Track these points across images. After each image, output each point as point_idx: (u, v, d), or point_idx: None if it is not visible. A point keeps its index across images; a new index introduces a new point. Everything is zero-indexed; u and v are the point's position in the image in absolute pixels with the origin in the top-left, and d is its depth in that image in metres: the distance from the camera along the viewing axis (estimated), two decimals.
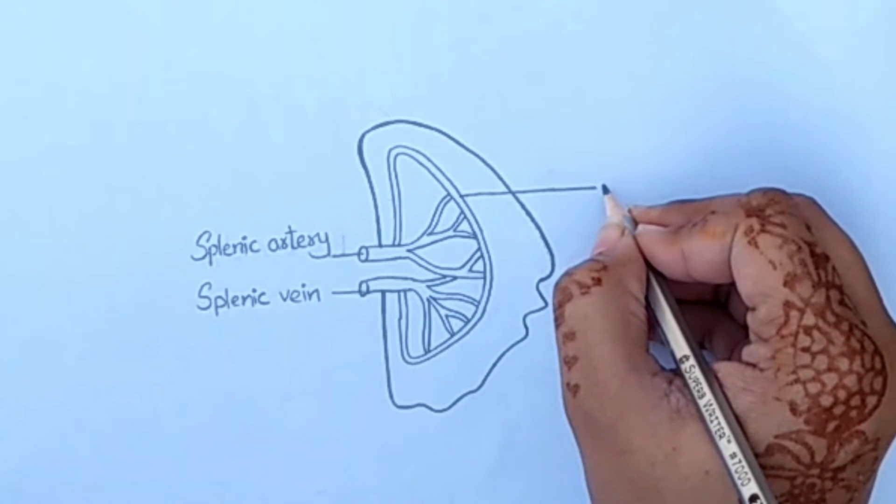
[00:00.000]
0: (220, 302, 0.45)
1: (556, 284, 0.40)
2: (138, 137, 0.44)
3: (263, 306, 0.45)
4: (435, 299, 0.45)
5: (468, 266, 0.45)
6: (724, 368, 0.38)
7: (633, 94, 0.45)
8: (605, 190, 0.44)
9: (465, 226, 0.45)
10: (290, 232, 0.45)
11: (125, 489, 0.45)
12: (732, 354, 0.42)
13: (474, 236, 0.45)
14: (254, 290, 0.45)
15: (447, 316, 0.45)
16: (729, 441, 0.36)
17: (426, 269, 0.45)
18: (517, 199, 0.45)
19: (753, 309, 0.38)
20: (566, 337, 0.39)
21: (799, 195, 0.40)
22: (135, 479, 0.45)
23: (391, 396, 0.45)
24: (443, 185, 0.45)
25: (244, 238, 0.45)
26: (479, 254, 0.45)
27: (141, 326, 0.44)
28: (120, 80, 0.44)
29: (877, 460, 0.38)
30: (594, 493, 0.40)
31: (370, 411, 0.45)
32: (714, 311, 0.43)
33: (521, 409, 0.46)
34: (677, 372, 0.39)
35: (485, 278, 0.45)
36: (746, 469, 0.36)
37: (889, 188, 0.46)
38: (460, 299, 0.45)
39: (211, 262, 0.45)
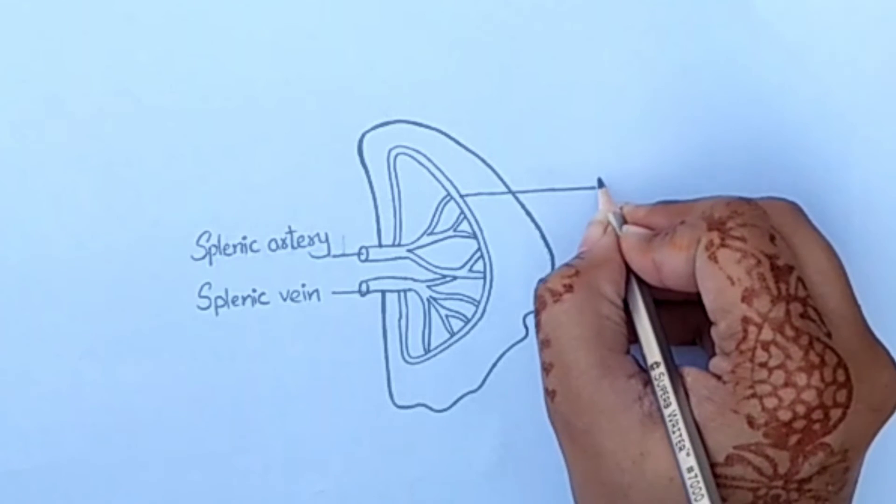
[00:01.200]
0: (220, 302, 0.45)
1: (535, 291, 0.41)
2: (138, 137, 0.44)
3: (263, 306, 0.45)
4: (435, 299, 0.45)
5: (468, 266, 0.45)
6: (692, 375, 0.38)
7: (633, 95, 0.45)
8: (601, 184, 0.44)
9: (464, 226, 0.45)
10: (290, 232, 0.45)
11: (125, 489, 0.45)
12: (709, 362, 0.42)
13: (474, 236, 0.45)
14: (254, 290, 0.45)
15: (447, 316, 0.45)
16: (688, 454, 0.37)
17: (426, 269, 0.45)
18: (517, 199, 0.45)
19: (715, 323, 0.38)
20: (543, 344, 0.40)
21: (780, 199, 0.40)
22: (134, 479, 0.45)
23: (391, 396, 0.45)
24: (443, 185, 0.45)
25: (244, 238, 0.45)
26: (478, 254, 0.45)
27: (141, 326, 0.44)
28: (120, 79, 0.44)
29: (848, 470, 0.38)
30: (575, 493, 0.40)
31: (370, 411, 0.45)
32: (704, 311, 0.43)
33: (521, 409, 0.46)
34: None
35: (485, 278, 0.45)
36: (701, 484, 0.36)
37: (882, 191, 0.46)
38: (460, 299, 0.45)
39: (211, 262, 0.45)
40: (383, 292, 0.45)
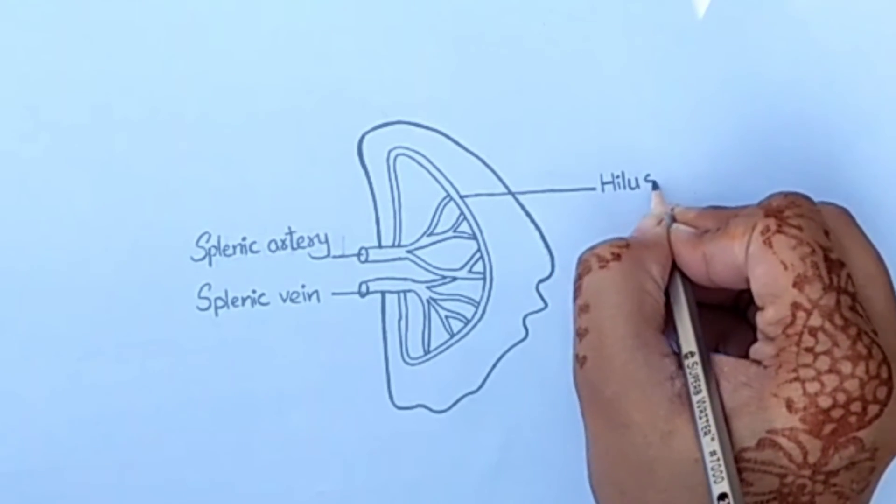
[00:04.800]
0: (219, 303, 0.45)
1: (579, 257, 0.41)
2: (138, 138, 0.44)
3: (263, 307, 0.45)
4: (435, 300, 0.45)
5: (468, 267, 0.45)
6: (729, 363, 0.38)
7: (633, 95, 0.45)
8: (655, 186, 0.45)
9: (464, 227, 0.45)
10: (290, 233, 0.45)
11: (124, 490, 0.45)
12: (748, 350, 0.42)
13: (474, 237, 0.45)
14: (253, 291, 0.45)
15: (447, 317, 0.45)
16: (712, 439, 0.37)
17: (426, 269, 0.45)
18: (517, 200, 0.45)
19: (762, 308, 0.38)
20: (581, 309, 0.40)
21: (830, 204, 0.40)
22: (134, 480, 0.45)
23: (391, 397, 0.45)
24: (442, 186, 0.45)
25: (244, 239, 0.45)
26: (478, 255, 0.45)
27: (141, 327, 0.44)
28: (120, 80, 0.44)
29: (874, 471, 0.38)
30: (592, 465, 0.40)
31: (370, 412, 0.45)
32: (733, 318, 0.44)
33: (521, 409, 0.46)
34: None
35: (485, 279, 0.45)
36: (722, 468, 0.36)
37: None
38: (460, 300, 0.45)
39: (210, 263, 0.45)
40: (383, 293, 0.45)
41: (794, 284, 0.37)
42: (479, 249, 0.45)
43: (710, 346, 0.43)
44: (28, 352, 0.44)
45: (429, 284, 0.45)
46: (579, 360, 0.40)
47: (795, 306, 0.37)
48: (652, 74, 0.45)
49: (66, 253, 0.44)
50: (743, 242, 0.39)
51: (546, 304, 0.45)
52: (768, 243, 0.38)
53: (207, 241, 0.45)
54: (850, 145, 0.46)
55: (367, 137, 0.45)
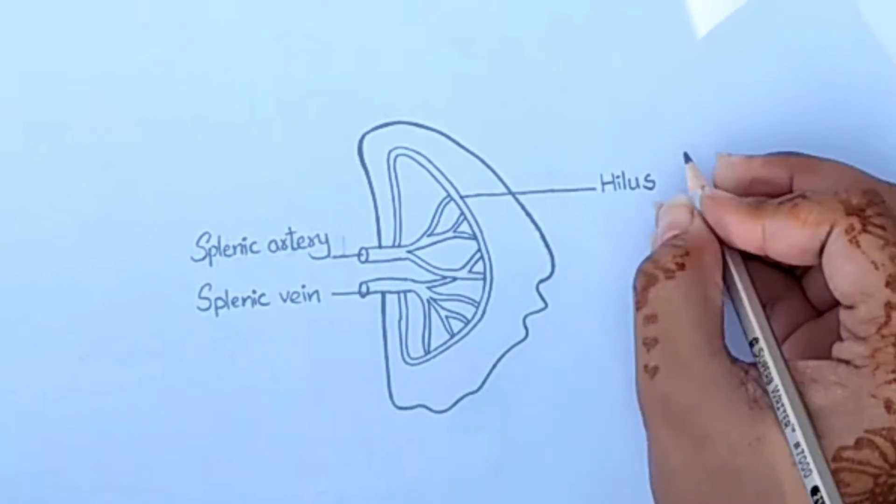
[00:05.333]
0: (220, 303, 0.45)
1: (639, 269, 0.40)
2: (138, 138, 0.44)
3: (263, 307, 0.45)
4: (435, 300, 0.45)
5: (468, 267, 0.45)
6: (810, 365, 0.38)
7: (633, 95, 0.45)
8: (687, 158, 0.44)
9: (465, 227, 0.45)
10: (290, 233, 0.45)
11: (124, 490, 0.45)
12: (793, 333, 0.42)
13: (474, 237, 0.45)
14: (254, 292, 0.45)
15: (447, 317, 0.45)
16: (793, 430, 0.36)
17: (426, 270, 0.45)
18: (517, 200, 0.45)
19: (851, 307, 0.38)
20: (648, 319, 0.39)
21: (885, 182, 0.41)
22: (134, 481, 0.45)
23: (391, 397, 0.45)
24: (443, 186, 0.45)
25: (244, 239, 0.45)
26: (479, 255, 0.45)
27: (141, 327, 0.44)
28: (120, 80, 0.44)
29: None
30: (662, 481, 0.39)
31: (370, 412, 0.45)
32: (783, 280, 0.43)
33: (521, 409, 0.46)
34: (751, 363, 0.39)
35: (485, 279, 0.45)
36: (809, 460, 0.36)
37: None
38: (460, 300, 0.45)
39: (211, 263, 0.45)
40: (383, 293, 0.45)
41: (887, 284, 0.37)
42: (479, 249, 0.45)
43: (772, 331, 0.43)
44: (28, 352, 0.44)
45: (429, 284, 0.45)
46: (649, 371, 0.39)
47: (889, 306, 0.37)
48: (652, 74, 0.45)
49: (67, 253, 0.44)
50: (817, 233, 0.38)
51: (546, 304, 0.45)
52: (855, 242, 0.38)
53: (208, 241, 0.45)
54: (850, 145, 0.46)
55: (367, 137, 0.45)
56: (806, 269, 0.43)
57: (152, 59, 0.44)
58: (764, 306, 0.42)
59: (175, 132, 0.44)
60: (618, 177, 0.45)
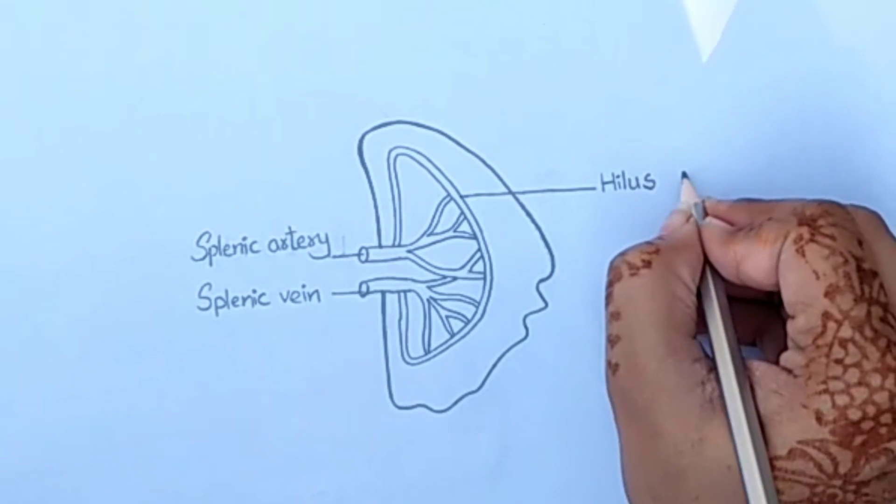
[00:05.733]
0: (220, 302, 0.45)
1: (610, 263, 0.41)
2: (138, 138, 0.44)
3: (263, 307, 0.45)
4: (435, 300, 0.45)
5: (468, 267, 0.45)
6: (760, 369, 0.38)
7: (634, 95, 0.45)
8: (684, 175, 0.45)
9: (465, 226, 0.45)
10: (290, 232, 0.45)
11: (124, 490, 0.45)
12: (780, 357, 0.42)
13: (474, 237, 0.45)
14: (254, 291, 0.45)
15: (447, 316, 0.45)
16: (747, 445, 0.37)
17: (426, 269, 0.45)
18: (517, 200, 0.45)
19: (793, 317, 0.38)
20: (612, 316, 0.40)
21: (861, 208, 0.40)
22: (134, 480, 0.45)
23: (391, 397, 0.45)
24: (443, 186, 0.45)
25: (244, 239, 0.45)
26: (479, 254, 0.45)
27: (141, 327, 0.44)
28: (120, 80, 0.44)
29: None
30: (627, 471, 0.40)
31: (370, 412, 0.45)
32: (768, 312, 0.44)
33: (521, 409, 0.46)
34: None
35: (485, 279, 0.45)
36: (757, 476, 0.36)
37: None
38: (460, 300, 0.45)
39: (211, 263, 0.45)
40: (383, 293, 0.45)
41: (826, 294, 0.37)
42: (479, 249, 0.45)
43: (747, 341, 0.43)
44: (29, 352, 0.44)
45: (429, 284, 0.45)
46: (611, 367, 0.40)
47: (826, 316, 0.37)
48: (652, 74, 0.45)
49: (67, 253, 0.44)
50: (775, 248, 0.39)
51: (546, 304, 0.45)
52: (801, 252, 0.38)
53: (208, 240, 0.45)
54: (848, 152, 0.46)
55: (367, 137, 0.45)
56: (782, 301, 0.43)
57: (152, 59, 0.44)
58: (753, 341, 0.43)
59: (175, 132, 0.44)
60: (618, 176, 0.45)
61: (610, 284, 0.40)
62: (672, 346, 0.39)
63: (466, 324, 0.46)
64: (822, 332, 0.37)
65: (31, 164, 0.44)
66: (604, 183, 0.45)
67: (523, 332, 0.46)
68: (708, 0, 0.45)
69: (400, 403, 0.45)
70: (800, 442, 0.37)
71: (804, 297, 0.37)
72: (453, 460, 0.46)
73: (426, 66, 0.45)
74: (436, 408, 0.46)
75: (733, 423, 0.37)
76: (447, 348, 0.46)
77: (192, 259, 0.45)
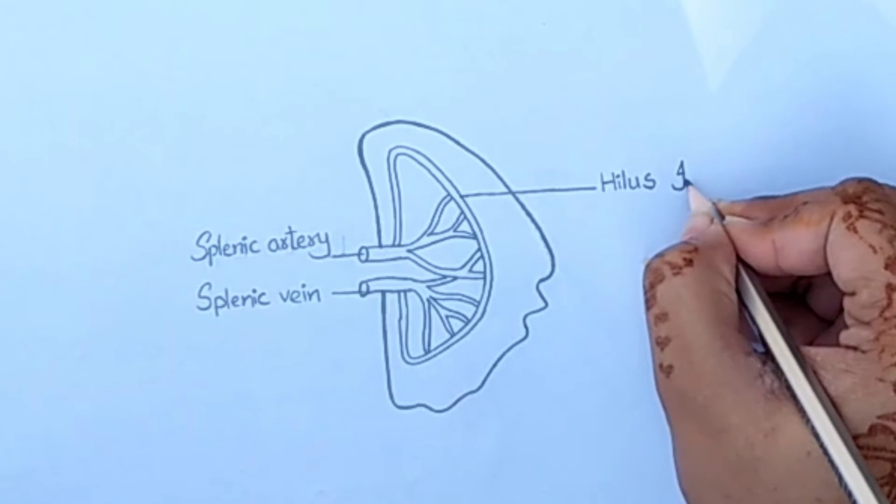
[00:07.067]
0: (220, 302, 0.45)
1: (647, 266, 0.41)
2: (138, 137, 0.44)
3: (263, 307, 0.45)
4: (435, 299, 0.45)
5: (468, 266, 0.45)
6: (822, 353, 0.38)
7: (634, 95, 0.45)
8: (688, 183, 0.45)
9: (465, 226, 0.45)
10: (290, 232, 0.45)
11: (124, 489, 0.45)
12: (838, 337, 0.42)
13: (474, 236, 0.45)
14: (254, 291, 0.45)
15: (447, 316, 0.45)
16: (823, 423, 0.36)
17: (426, 269, 0.45)
18: (517, 200, 0.45)
19: (853, 294, 0.38)
20: (658, 318, 0.40)
21: (891, 186, 0.40)
22: (134, 480, 0.45)
23: (391, 397, 0.45)
24: (443, 186, 0.45)
25: (244, 238, 0.45)
26: (479, 254, 0.45)
27: (141, 327, 0.44)
28: (120, 79, 0.44)
29: None
30: (686, 474, 0.40)
31: (370, 411, 0.45)
32: (791, 304, 0.43)
33: (521, 409, 0.46)
34: (768, 354, 0.39)
35: (485, 278, 0.45)
36: (848, 456, 0.36)
37: None
38: (460, 299, 0.45)
39: (211, 263, 0.45)
40: (383, 292, 0.45)
41: (886, 266, 0.37)
42: (479, 249, 0.45)
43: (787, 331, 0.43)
44: (29, 351, 0.44)
45: (429, 284, 0.45)
46: (664, 370, 0.39)
47: (890, 288, 0.37)
48: (652, 74, 0.45)
49: (67, 252, 0.44)
50: (820, 229, 0.39)
51: (546, 304, 0.45)
52: (852, 229, 0.38)
53: (208, 240, 0.45)
54: (851, 149, 0.46)
55: (367, 137, 0.45)
56: (809, 286, 0.43)
57: (152, 59, 0.44)
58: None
59: (175, 132, 0.44)
60: (618, 176, 0.45)
61: (651, 287, 0.40)
62: (726, 341, 0.39)
63: (466, 323, 0.46)
64: (889, 304, 0.37)
65: (31, 164, 0.44)
66: (604, 183, 0.45)
67: (523, 332, 0.46)
68: (708, 0, 0.45)
69: (400, 403, 0.45)
70: (880, 417, 0.36)
71: (864, 272, 0.37)
72: (453, 460, 0.46)
73: (426, 66, 0.45)
74: (436, 408, 0.46)
75: (807, 407, 0.37)
76: (447, 348, 0.46)
77: (192, 259, 0.45)
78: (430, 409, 0.46)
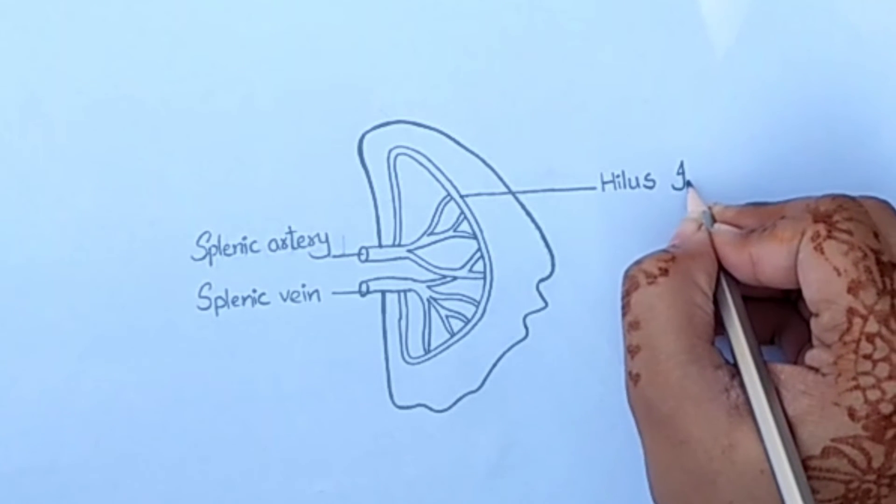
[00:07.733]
0: (220, 302, 0.45)
1: (626, 272, 0.41)
2: (138, 137, 0.44)
3: (263, 306, 0.45)
4: (435, 299, 0.45)
5: (468, 266, 0.45)
6: (786, 371, 0.38)
7: (634, 95, 0.45)
8: (689, 184, 0.45)
9: (465, 226, 0.45)
10: (290, 232, 0.45)
11: (124, 489, 0.45)
12: (799, 354, 0.42)
13: (474, 236, 0.45)
14: (254, 291, 0.45)
15: (447, 316, 0.45)
16: (778, 448, 0.36)
17: (426, 269, 0.45)
18: (517, 200, 0.45)
19: (817, 315, 0.38)
20: (631, 326, 0.40)
21: (871, 198, 0.40)
22: (134, 479, 0.45)
23: (391, 396, 0.45)
24: (443, 186, 0.45)
25: (244, 238, 0.45)
26: (479, 254, 0.45)
27: (141, 326, 0.44)
28: (119, 79, 0.44)
29: None
30: (653, 481, 0.40)
31: (370, 411, 0.45)
32: (785, 309, 0.44)
33: (521, 409, 0.46)
34: (737, 368, 0.39)
35: (485, 278, 0.45)
36: (791, 479, 0.36)
37: None
38: (460, 299, 0.45)
39: (211, 263, 0.45)
40: (383, 292, 0.45)
41: (849, 290, 0.37)
42: (479, 249, 0.45)
43: (765, 339, 0.43)
44: (28, 350, 0.44)
45: (429, 284, 0.45)
46: (633, 378, 0.39)
47: (851, 312, 0.37)
48: (652, 73, 0.45)
49: (67, 252, 0.44)
50: (792, 247, 0.38)
51: (546, 304, 0.45)
52: (819, 249, 0.38)
53: (208, 240, 0.45)
54: (849, 149, 0.46)
55: (367, 137, 0.45)
56: (799, 293, 0.43)
57: (152, 58, 0.44)
58: (771, 339, 0.43)
59: (175, 131, 0.44)
60: (618, 176, 0.45)
61: (626, 294, 0.40)
62: (694, 354, 0.39)
63: (466, 323, 0.46)
64: (849, 329, 0.37)
65: (31, 163, 0.44)
66: (604, 183, 0.45)
67: (523, 332, 0.46)
68: (708, 1, 0.45)
69: (400, 403, 0.45)
70: (833, 440, 0.37)
71: (827, 295, 0.37)
72: (453, 460, 0.46)
73: (426, 66, 0.45)
74: (436, 407, 0.46)
75: (762, 426, 0.37)
76: (447, 348, 0.46)
77: (192, 259, 0.45)
78: (430, 409, 0.46)
